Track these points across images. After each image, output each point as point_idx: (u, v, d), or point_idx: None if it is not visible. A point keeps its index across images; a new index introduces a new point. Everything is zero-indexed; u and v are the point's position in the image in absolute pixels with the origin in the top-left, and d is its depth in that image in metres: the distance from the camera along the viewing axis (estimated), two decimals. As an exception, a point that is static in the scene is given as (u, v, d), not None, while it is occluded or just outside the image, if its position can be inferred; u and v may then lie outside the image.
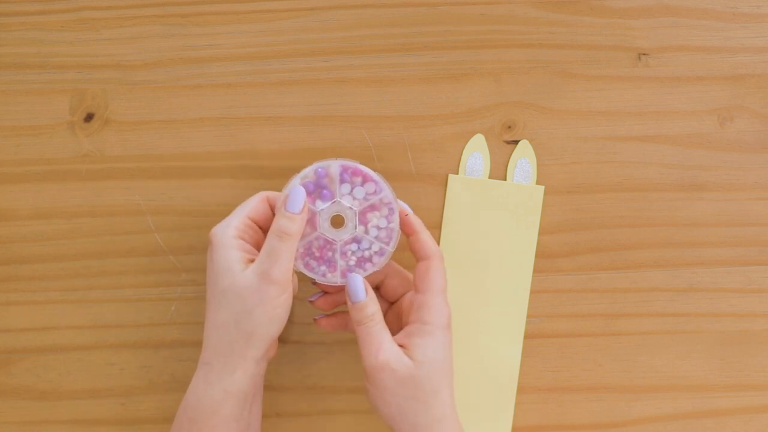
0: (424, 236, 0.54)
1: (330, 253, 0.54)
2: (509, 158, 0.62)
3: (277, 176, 0.61)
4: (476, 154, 0.61)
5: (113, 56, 0.62)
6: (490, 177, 0.62)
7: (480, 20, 0.62)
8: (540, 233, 0.61)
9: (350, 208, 0.54)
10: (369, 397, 0.53)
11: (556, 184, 0.62)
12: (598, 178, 0.62)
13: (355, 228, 0.54)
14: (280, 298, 0.51)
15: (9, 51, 0.62)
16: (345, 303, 0.56)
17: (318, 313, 0.58)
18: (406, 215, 0.55)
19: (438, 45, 0.62)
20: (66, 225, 0.61)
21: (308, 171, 0.53)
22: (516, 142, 0.62)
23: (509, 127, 0.62)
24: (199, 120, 0.62)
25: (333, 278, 0.54)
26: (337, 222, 0.54)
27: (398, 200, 0.55)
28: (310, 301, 0.57)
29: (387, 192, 0.54)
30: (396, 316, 0.57)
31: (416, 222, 0.55)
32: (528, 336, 0.61)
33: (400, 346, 0.52)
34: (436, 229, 0.61)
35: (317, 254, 0.54)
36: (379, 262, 0.54)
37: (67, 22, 0.62)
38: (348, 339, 0.61)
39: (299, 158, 0.61)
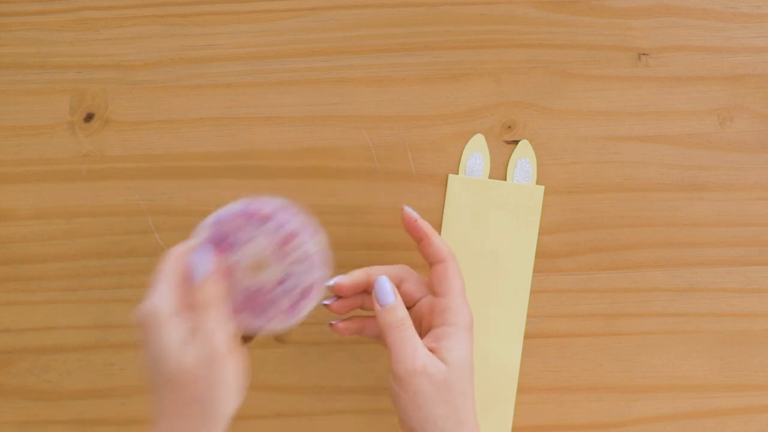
0: (436, 240, 0.54)
1: (270, 296, 0.51)
2: (509, 158, 0.62)
3: (277, 176, 0.61)
4: (476, 154, 0.61)
5: (113, 56, 0.62)
6: (490, 177, 0.62)
7: (480, 20, 0.62)
8: (540, 233, 0.61)
9: (265, 248, 0.51)
10: (399, 402, 0.52)
11: (556, 184, 0.62)
12: (598, 178, 0.62)
13: (282, 265, 0.51)
14: (229, 370, 0.48)
15: (9, 51, 0.62)
16: (359, 307, 0.55)
17: (333, 318, 0.57)
18: (415, 221, 0.54)
19: (438, 45, 0.62)
20: (66, 225, 0.61)
21: (207, 222, 0.50)
22: (516, 142, 0.62)
23: (509, 127, 0.62)
24: (199, 120, 0.62)
25: (285, 321, 0.52)
26: (261, 265, 0.51)
27: (406, 206, 0.54)
28: (325, 305, 0.56)
29: (295, 219, 0.51)
30: (414, 321, 0.56)
31: (425, 226, 0.54)
32: (528, 336, 0.61)
33: (430, 350, 0.52)
34: (436, 229, 0.61)
35: (257, 302, 0.51)
36: (322, 286, 0.52)
37: (67, 22, 0.62)
38: (348, 339, 0.61)
39: (299, 158, 0.61)
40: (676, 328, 0.61)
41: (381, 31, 0.62)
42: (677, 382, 0.61)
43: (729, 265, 0.62)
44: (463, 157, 0.62)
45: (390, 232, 0.61)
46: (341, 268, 0.61)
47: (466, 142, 0.62)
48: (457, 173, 0.62)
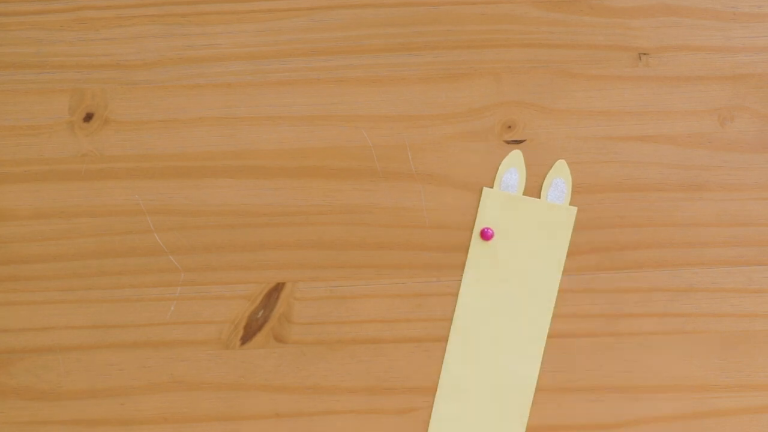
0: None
1: None
2: (545, 177, 0.61)
3: (277, 176, 0.61)
4: (512, 170, 0.61)
5: (113, 56, 0.62)
6: (524, 194, 0.61)
7: (480, 20, 0.62)
8: (540, 233, 0.61)
9: None
10: None
11: (557, 184, 0.62)
12: (598, 178, 0.62)
13: None
14: None
15: (8, 50, 0.62)
16: None
17: None
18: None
19: (438, 45, 0.62)
20: (66, 225, 0.61)
21: None
22: (517, 142, 0.62)
23: (509, 127, 0.62)
24: (199, 120, 0.62)
25: None
26: None
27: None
28: None
29: None
30: None
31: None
32: (528, 336, 0.61)
33: None
34: (465, 240, 0.61)
35: None
36: None
37: (66, 22, 0.62)
38: (348, 339, 0.61)
39: (299, 158, 0.61)
40: (677, 329, 0.61)
41: (381, 30, 0.62)
42: (677, 382, 0.61)
43: (729, 265, 0.62)
44: (499, 172, 0.61)
45: (390, 232, 0.61)
46: (341, 268, 0.61)
47: (466, 141, 0.62)
48: (458, 174, 0.62)
